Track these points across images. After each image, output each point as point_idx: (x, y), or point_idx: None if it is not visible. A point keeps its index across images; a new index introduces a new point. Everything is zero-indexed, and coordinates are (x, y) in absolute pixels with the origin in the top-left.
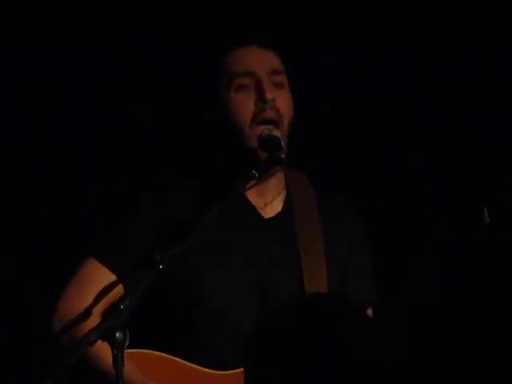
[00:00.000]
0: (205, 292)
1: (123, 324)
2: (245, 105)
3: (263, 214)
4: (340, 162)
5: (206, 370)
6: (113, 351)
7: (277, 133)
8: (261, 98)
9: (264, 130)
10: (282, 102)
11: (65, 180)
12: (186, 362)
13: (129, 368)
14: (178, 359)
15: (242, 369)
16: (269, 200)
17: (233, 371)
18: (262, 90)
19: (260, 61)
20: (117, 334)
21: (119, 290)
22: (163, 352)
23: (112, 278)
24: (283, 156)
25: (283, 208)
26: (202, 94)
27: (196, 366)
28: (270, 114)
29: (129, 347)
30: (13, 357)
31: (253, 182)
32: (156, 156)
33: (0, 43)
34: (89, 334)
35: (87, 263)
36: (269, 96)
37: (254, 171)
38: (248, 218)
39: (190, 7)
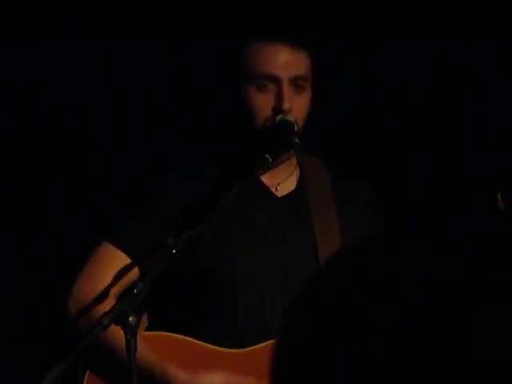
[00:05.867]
0: (221, 273)
1: (136, 308)
2: (262, 109)
3: (276, 193)
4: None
5: (221, 349)
6: (126, 336)
7: (290, 117)
8: (277, 108)
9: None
10: (299, 108)
11: (82, 163)
12: (200, 343)
13: (142, 349)
14: (193, 340)
15: (255, 346)
16: (282, 179)
17: (247, 349)
18: (281, 99)
19: (286, 65)
20: (130, 319)
21: (135, 273)
22: (177, 334)
23: (127, 261)
24: (297, 140)
25: (296, 186)
26: (226, 79)
27: (211, 346)
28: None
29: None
30: (26, 343)
31: (267, 167)
32: (179, 142)
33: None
34: (102, 319)
35: (101, 246)
36: (286, 106)
37: (267, 155)
38: (261, 198)
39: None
